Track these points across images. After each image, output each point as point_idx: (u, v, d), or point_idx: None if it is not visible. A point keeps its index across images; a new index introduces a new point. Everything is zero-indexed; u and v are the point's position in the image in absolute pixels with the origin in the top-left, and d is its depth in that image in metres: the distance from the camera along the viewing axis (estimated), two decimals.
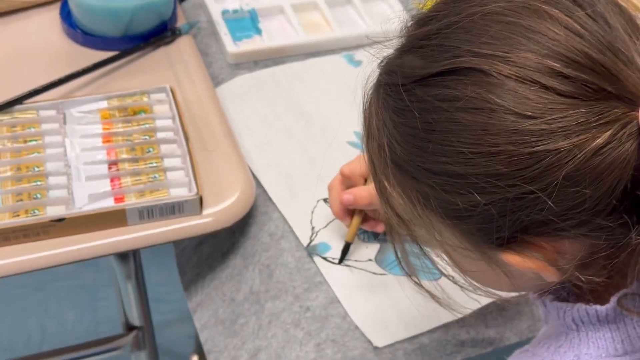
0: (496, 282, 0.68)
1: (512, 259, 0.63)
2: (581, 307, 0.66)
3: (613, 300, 0.65)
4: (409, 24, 0.66)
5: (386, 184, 0.67)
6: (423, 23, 0.64)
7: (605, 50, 0.58)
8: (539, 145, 0.57)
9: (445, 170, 0.61)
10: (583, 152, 0.57)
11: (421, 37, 0.63)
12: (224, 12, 1.28)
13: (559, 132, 0.57)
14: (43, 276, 1.90)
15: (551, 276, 0.64)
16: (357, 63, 1.24)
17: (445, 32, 0.62)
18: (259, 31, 1.26)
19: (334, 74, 1.22)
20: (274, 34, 1.27)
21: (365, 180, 0.97)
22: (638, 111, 0.57)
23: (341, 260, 0.99)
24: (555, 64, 0.58)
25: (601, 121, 0.57)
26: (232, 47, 1.23)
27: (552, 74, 0.58)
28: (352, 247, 1.00)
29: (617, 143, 0.57)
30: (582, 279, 0.63)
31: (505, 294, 0.73)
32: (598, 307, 0.65)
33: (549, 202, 0.58)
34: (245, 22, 1.28)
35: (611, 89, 0.57)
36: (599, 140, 0.57)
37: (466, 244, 0.65)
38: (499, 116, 0.58)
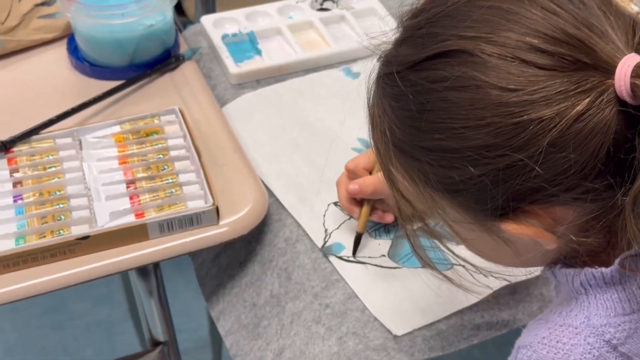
0: (500, 254, 0.72)
1: (510, 227, 0.67)
2: (588, 270, 0.69)
3: (616, 262, 0.68)
4: (404, 19, 0.71)
5: (391, 168, 0.72)
6: (414, 16, 0.70)
7: (580, 26, 0.63)
8: (523, 115, 0.62)
9: (440, 146, 0.65)
10: (565, 119, 0.61)
11: (413, 28, 0.69)
12: (224, 37, 1.33)
13: (541, 101, 0.61)
14: (59, 315, 1.92)
15: (550, 242, 0.68)
16: (355, 75, 1.28)
17: (432, 21, 0.67)
18: (258, 52, 1.31)
19: (333, 86, 1.26)
20: (273, 53, 1.32)
21: (370, 172, 1.01)
22: (614, 79, 0.62)
23: (354, 252, 1.03)
24: (533, 41, 0.62)
25: (579, 89, 0.61)
26: (234, 68, 1.27)
27: (531, 50, 0.62)
28: (365, 244, 1.03)
29: (596, 109, 0.61)
30: (579, 242, 0.67)
31: (512, 271, 0.77)
32: (603, 269, 0.69)
33: (537, 169, 0.62)
34: (245, 45, 1.33)
35: (587, 59, 0.62)
36: (579, 107, 0.61)
37: (467, 217, 0.69)
38: (485, 91, 0.63)
